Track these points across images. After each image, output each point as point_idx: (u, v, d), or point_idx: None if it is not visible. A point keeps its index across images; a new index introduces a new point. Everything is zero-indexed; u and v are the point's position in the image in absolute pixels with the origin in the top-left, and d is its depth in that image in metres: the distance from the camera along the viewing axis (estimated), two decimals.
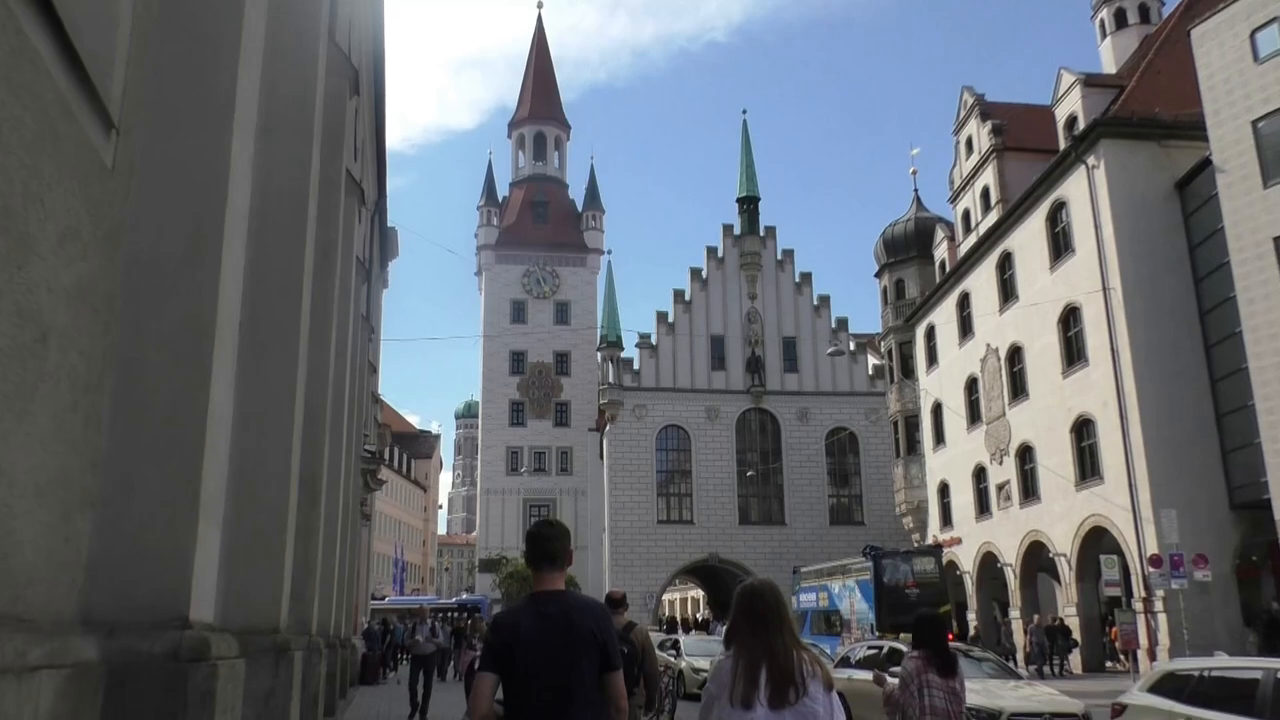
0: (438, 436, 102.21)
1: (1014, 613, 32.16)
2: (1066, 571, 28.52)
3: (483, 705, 3.75)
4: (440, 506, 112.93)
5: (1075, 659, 27.40)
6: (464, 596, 46.99)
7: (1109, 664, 27.84)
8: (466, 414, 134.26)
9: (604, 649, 3.82)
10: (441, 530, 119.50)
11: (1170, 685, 8.55)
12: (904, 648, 13.48)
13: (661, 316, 53.53)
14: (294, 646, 8.14)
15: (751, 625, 3.83)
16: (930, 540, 37.48)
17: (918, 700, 5.87)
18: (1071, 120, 30.33)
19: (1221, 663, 9.32)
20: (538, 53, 74.59)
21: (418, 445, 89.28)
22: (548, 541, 3.95)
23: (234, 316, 4.93)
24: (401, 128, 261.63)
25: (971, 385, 35.56)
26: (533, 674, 3.70)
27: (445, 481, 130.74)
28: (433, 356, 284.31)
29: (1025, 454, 31.39)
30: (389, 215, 28.27)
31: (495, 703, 3.76)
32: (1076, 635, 28.05)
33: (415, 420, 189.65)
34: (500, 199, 69.85)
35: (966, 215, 37.50)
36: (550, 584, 3.93)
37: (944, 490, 38.36)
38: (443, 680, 20.15)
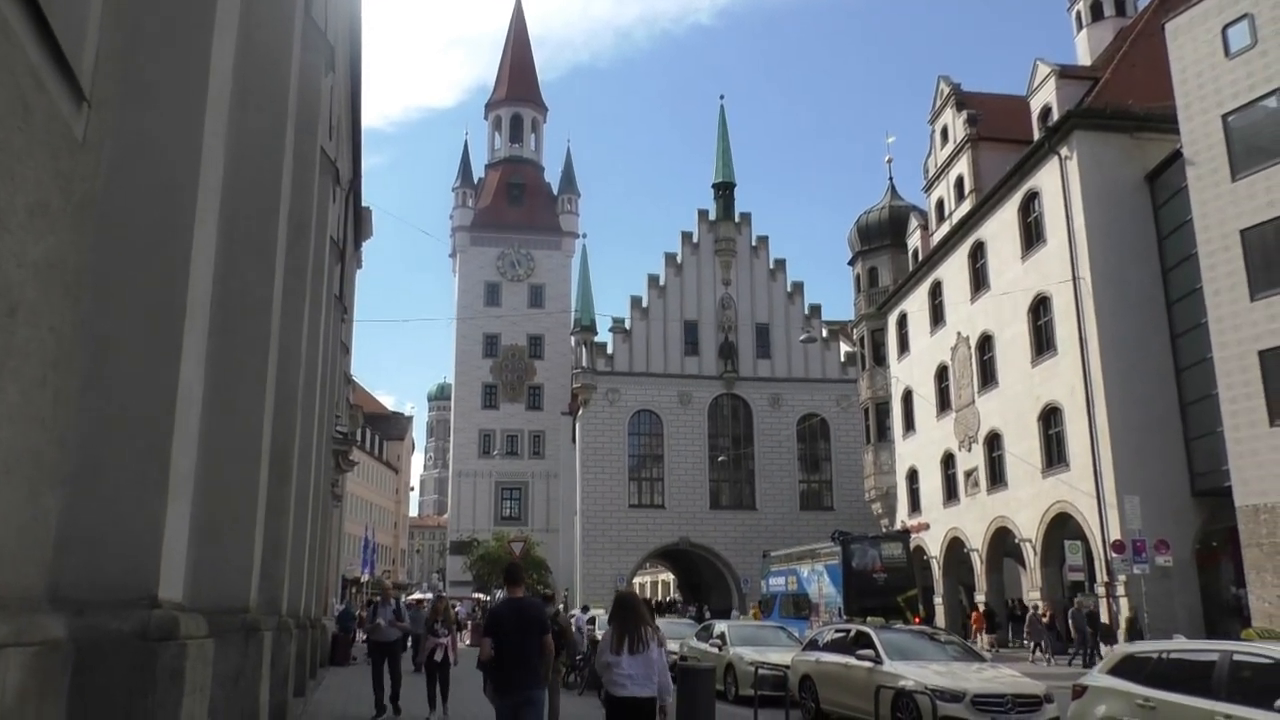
0: (410, 418, 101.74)
1: (979, 596, 32.58)
2: (1031, 556, 28.91)
3: (485, 651, 7.50)
4: (412, 488, 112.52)
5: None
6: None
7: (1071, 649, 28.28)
8: (439, 396, 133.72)
9: (541, 623, 7.63)
10: (413, 512, 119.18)
11: (1130, 667, 8.71)
12: (872, 631, 13.71)
13: (635, 301, 53.54)
14: (264, 626, 8.12)
15: (624, 613, 7.26)
16: (899, 525, 37.82)
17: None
18: (1046, 111, 30.56)
19: (1180, 645, 9.51)
20: (516, 34, 74.08)
21: (390, 427, 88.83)
22: (515, 575, 8.16)
23: (205, 293, 4.90)
24: (381, 106, 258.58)
25: (942, 373, 35.86)
26: (507, 635, 7.42)
27: (417, 463, 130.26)
28: (406, 338, 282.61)
29: (993, 441, 31.73)
30: (364, 194, 28.06)
31: (490, 649, 7.42)
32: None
33: (389, 401, 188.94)
34: (476, 180, 69.46)
35: (940, 204, 37.72)
36: (515, 593, 7.94)
37: (913, 476, 38.72)
38: (416, 671, 16.42)
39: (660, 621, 26.61)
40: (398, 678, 13.47)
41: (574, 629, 18.54)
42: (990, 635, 29.78)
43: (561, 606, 36.56)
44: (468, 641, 29.18)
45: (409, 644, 17.97)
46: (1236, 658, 7.68)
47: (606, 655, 7.07)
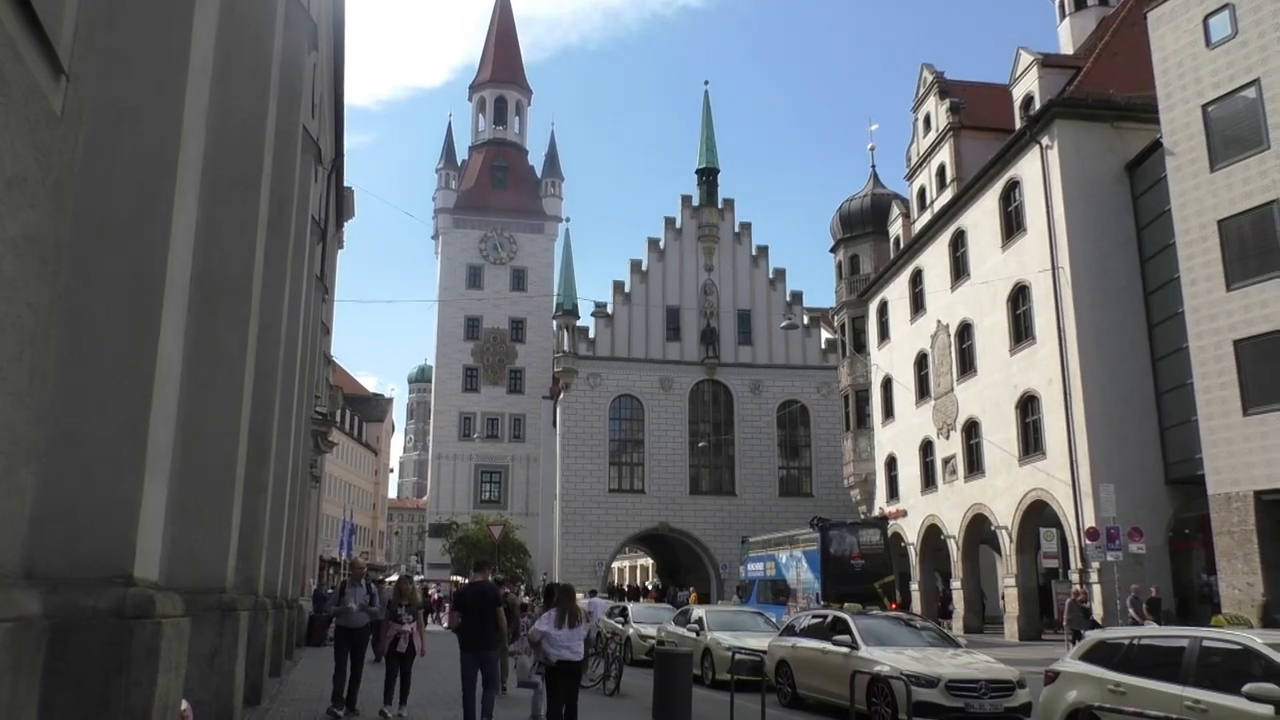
0: (390, 400, 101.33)
1: (955, 583, 32.87)
2: (1007, 544, 29.17)
3: (454, 620, 13.46)
4: (391, 470, 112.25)
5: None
6: None
7: (1045, 633, 28.59)
8: (420, 378, 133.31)
9: (496, 600, 10.40)
10: (392, 494, 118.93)
11: (1101, 653, 8.81)
12: (848, 617, 13.81)
13: (618, 286, 53.51)
14: (240, 606, 8.12)
15: (564, 599, 9.51)
16: (877, 512, 38.05)
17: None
18: (1028, 100, 30.64)
19: (1150, 632, 9.64)
20: (501, 15, 73.55)
21: (370, 408, 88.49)
22: (482, 564, 11.96)
23: (185, 270, 4.86)
24: (369, 84, 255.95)
25: (921, 361, 36.04)
26: (471, 608, 10.25)
27: (397, 445, 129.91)
28: (388, 319, 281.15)
29: (971, 429, 31.95)
30: (349, 173, 27.90)
31: (457, 619, 10.64)
32: (1014, 605, 28.75)
33: (369, 383, 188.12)
34: (459, 162, 69.15)
35: (922, 192, 37.81)
36: (478, 578, 10.87)
37: (891, 463, 38.94)
38: (377, 660, 13.12)
39: (640, 606, 27.07)
40: (359, 671, 11.96)
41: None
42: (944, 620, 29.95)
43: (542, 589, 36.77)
44: (445, 624, 29.23)
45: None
46: (1205, 644, 7.80)
47: (548, 628, 9.22)
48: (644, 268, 53.70)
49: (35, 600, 3.78)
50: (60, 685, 3.85)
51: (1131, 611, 22.41)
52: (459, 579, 47.27)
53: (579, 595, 26.15)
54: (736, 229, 55.28)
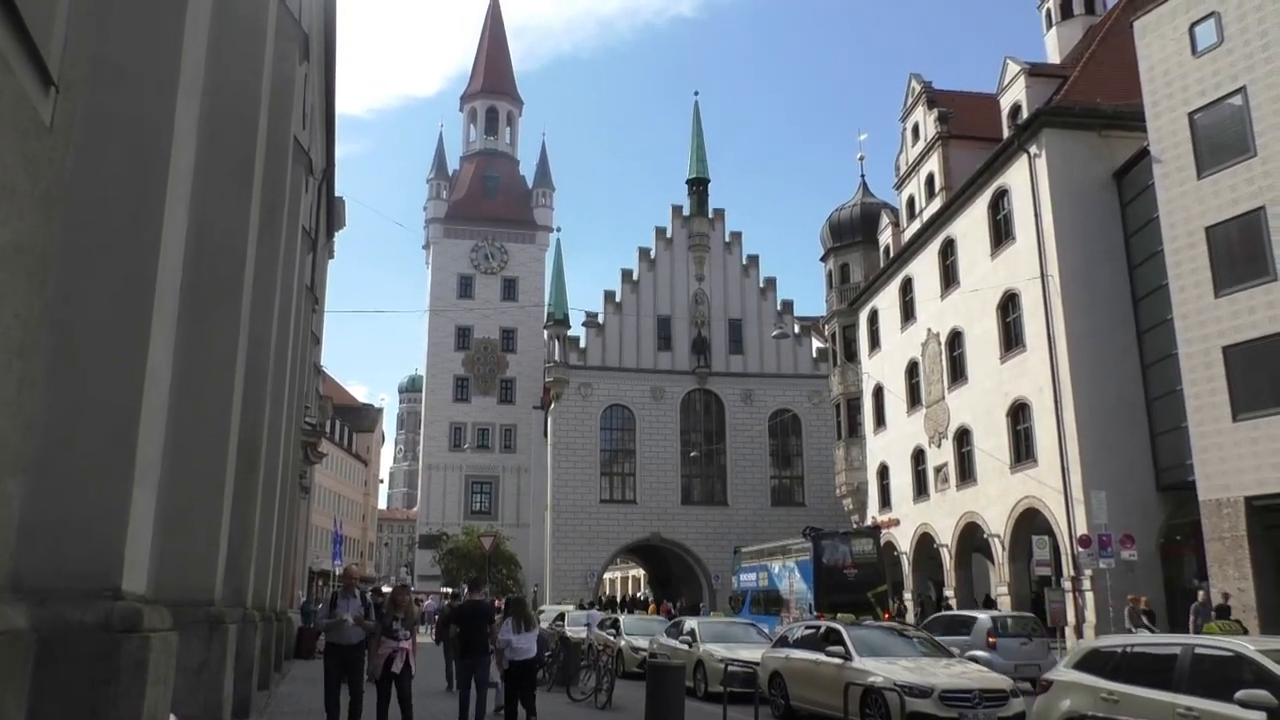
0: (380, 410, 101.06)
1: (948, 592, 32.84)
2: (1000, 552, 29.18)
3: (449, 634, 14.36)
4: (381, 481, 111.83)
5: None
6: None
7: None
8: (410, 388, 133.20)
9: (488, 615, 12.01)
10: (382, 505, 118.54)
11: (1094, 661, 8.82)
12: (842, 628, 13.78)
13: (609, 295, 53.54)
14: (228, 619, 8.07)
15: (518, 609, 11.96)
16: (869, 521, 38.02)
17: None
18: (1015, 109, 30.79)
19: (1143, 639, 9.65)
20: (492, 26, 73.71)
21: (360, 418, 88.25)
22: (476, 584, 13.56)
23: (175, 280, 4.84)
24: (362, 93, 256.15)
25: (912, 369, 36.09)
26: (466, 623, 11.75)
27: (387, 456, 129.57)
28: (378, 329, 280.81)
29: (963, 437, 31.98)
30: (340, 183, 27.88)
31: (454, 631, 12.49)
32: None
33: (360, 393, 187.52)
34: (451, 172, 69.21)
35: (911, 201, 37.94)
36: (474, 595, 12.58)
37: (883, 472, 38.94)
38: (369, 680, 10.95)
39: (632, 618, 27.03)
40: (359, 694, 10.48)
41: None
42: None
43: (532, 601, 36.82)
44: (435, 638, 29.01)
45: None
46: (1198, 651, 7.81)
47: (509, 636, 11.28)
48: (635, 277, 53.77)
49: (22, 614, 3.75)
50: (47, 699, 3.81)
51: (1195, 621, 21.04)
52: (449, 590, 47.24)
53: (571, 607, 26.53)
54: (727, 238, 55.42)
